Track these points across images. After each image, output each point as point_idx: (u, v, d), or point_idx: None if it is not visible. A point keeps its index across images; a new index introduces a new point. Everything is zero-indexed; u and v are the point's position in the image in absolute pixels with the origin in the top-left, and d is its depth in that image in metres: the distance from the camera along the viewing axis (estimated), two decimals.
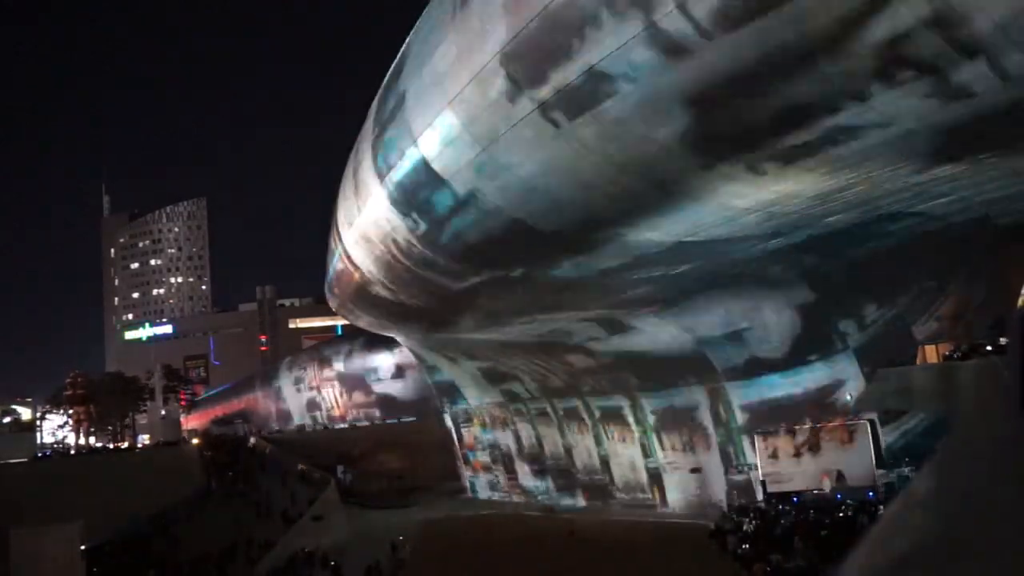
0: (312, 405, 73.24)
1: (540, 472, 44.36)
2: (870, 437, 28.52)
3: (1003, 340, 19.55)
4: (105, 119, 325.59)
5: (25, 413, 75.24)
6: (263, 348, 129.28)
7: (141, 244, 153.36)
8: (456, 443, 52.22)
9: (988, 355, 22.23)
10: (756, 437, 30.63)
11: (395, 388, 64.32)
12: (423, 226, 21.61)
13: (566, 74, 13.68)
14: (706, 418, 33.49)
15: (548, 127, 14.89)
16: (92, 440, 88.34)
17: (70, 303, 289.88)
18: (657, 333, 31.50)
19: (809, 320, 28.29)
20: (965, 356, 24.82)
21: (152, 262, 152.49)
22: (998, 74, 11.29)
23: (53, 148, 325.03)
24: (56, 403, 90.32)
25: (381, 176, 21.77)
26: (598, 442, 39.76)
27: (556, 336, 34.98)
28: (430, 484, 53.05)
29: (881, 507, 24.26)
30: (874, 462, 28.71)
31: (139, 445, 77.28)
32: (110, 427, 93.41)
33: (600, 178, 16.36)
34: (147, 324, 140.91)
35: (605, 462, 39.53)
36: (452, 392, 49.97)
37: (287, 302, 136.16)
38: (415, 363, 55.31)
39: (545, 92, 14.26)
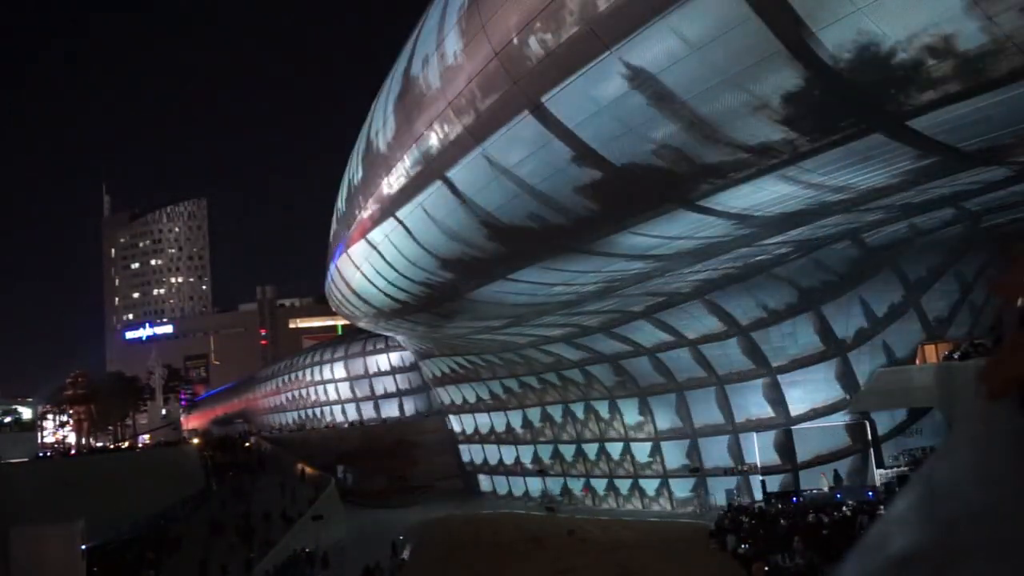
0: (310, 402, 73.24)
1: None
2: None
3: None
4: (106, 119, 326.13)
5: (26, 413, 75.17)
6: (264, 342, 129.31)
7: (141, 244, 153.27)
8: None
9: (991, 353, 22.23)
10: None
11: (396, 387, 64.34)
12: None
13: None
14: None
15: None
16: (93, 440, 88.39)
17: (70, 303, 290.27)
18: None
19: None
20: (965, 356, 24.86)
21: (152, 262, 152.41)
22: None
23: (53, 148, 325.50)
24: (57, 403, 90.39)
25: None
26: None
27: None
28: (430, 483, 53.07)
29: (881, 507, 24.27)
30: (873, 462, 28.76)
31: (140, 445, 77.25)
32: (111, 427, 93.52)
33: None
34: (147, 324, 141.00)
35: None
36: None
37: (287, 302, 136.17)
38: (414, 361, 55.35)
39: None
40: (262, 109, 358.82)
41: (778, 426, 30.55)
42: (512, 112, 15.43)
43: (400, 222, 22.40)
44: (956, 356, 25.54)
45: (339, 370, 67.96)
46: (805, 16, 11.02)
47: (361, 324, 41.39)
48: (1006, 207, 22.32)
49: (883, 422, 29.19)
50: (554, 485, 43.41)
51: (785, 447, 30.45)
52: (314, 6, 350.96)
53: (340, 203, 29.00)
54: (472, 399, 48.48)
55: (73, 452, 73.39)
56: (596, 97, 14.05)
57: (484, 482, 49.96)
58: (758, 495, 30.77)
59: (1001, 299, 0.81)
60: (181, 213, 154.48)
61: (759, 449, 30.95)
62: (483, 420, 48.48)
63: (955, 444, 0.76)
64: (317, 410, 72.65)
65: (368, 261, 26.90)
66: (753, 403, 31.28)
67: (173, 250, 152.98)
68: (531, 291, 25.51)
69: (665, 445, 35.75)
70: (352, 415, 67.77)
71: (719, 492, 33.10)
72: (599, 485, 40.36)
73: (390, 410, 64.71)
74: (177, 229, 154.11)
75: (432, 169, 19.02)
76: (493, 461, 48.73)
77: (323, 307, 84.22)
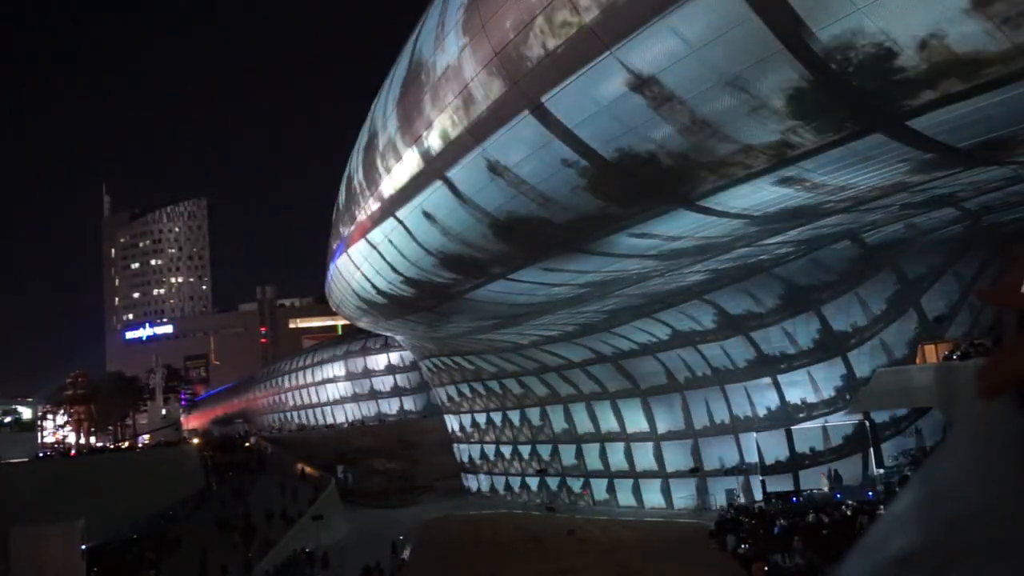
0: (310, 403, 73.27)
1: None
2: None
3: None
4: (106, 119, 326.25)
5: (26, 413, 75.17)
6: (263, 340, 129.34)
7: (141, 244, 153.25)
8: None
9: (990, 353, 22.23)
10: None
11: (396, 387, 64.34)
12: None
13: None
14: None
15: None
16: (93, 440, 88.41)
17: (70, 303, 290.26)
18: None
19: None
20: (965, 356, 24.85)
21: (152, 262, 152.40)
22: None
23: (53, 148, 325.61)
24: (57, 403, 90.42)
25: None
26: None
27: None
28: (430, 483, 53.08)
29: (881, 507, 24.27)
30: (873, 462, 28.76)
31: (140, 445, 77.25)
32: (111, 427, 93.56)
33: None
34: (147, 324, 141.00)
35: None
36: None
37: (287, 302, 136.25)
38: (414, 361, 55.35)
39: None
40: (262, 109, 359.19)
41: (778, 426, 30.55)
42: (512, 112, 15.43)
43: (400, 222, 22.40)
44: (956, 356, 25.53)
45: (339, 370, 67.97)
46: (805, 16, 11.02)
47: (361, 324, 41.38)
48: (1006, 207, 22.32)
49: (883, 422, 29.18)
50: (553, 485, 43.39)
51: (785, 447, 30.45)
52: (314, 6, 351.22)
53: (340, 203, 29.00)
54: (472, 399, 48.48)
55: (73, 452, 73.40)
56: (596, 97, 14.05)
57: (483, 482, 49.95)
58: (758, 495, 30.77)
59: (992, 306, 0.81)
60: (181, 213, 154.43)
61: (759, 449, 30.95)
62: (482, 419, 48.46)
63: (955, 444, 0.76)
64: (317, 410, 72.68)
65: (368, 261, 26.90)
66: (753, 403, 31.29)
67: (173, 250, 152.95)
68: (531, 291, 25.52)
69: (665, 445, 35.76)
70: (352, 415, 67.79)
71: (719, 492, 33.10)
72: (599, 485, 40.35)
73: (390, 410, 64.71)
74: (177, 229, 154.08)
75: (432, 169, 19.02)
76: (492, 460, 48.72)
77: (323, 307, 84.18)
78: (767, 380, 30.48)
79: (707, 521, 29.76)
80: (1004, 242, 26.30)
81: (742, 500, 31.38)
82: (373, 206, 23.63)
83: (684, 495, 35.20)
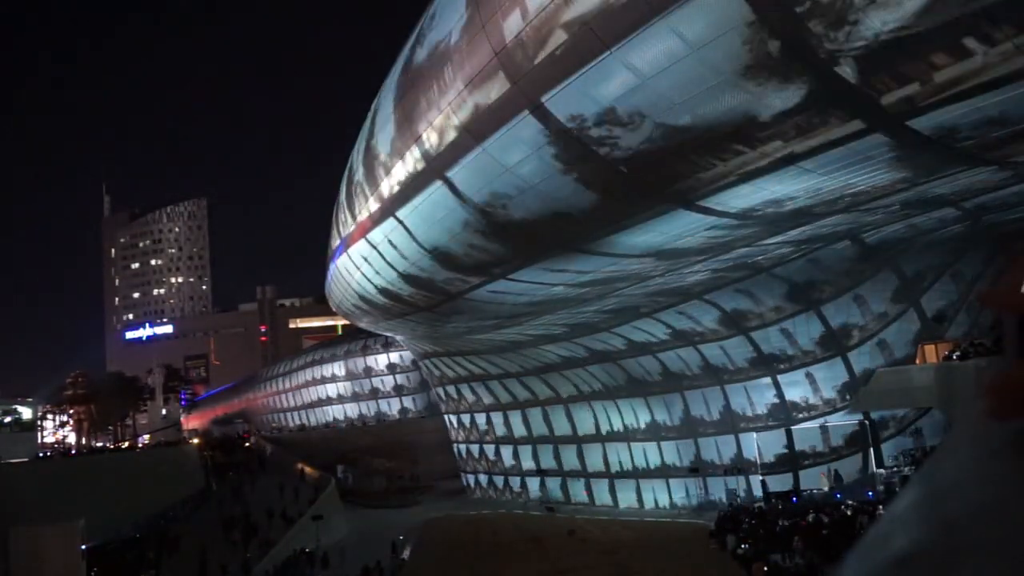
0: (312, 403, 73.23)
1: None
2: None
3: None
4: (106, 119, 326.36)
5: (26, 413, 75.18)
6: (263, 340, 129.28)
7: (141, 244, 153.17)
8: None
9: (992, 353, 22.25)
10: None
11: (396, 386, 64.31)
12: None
13: None
14: None
15: None
16: (93, 440, 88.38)
17: (70, 303, 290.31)
18: None
19: None
20: (964, 356, 24.85)
21: (152, 262, 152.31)
22: None
23: (53, 148, 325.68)
24: (57, 403, 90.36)
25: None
26: None
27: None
28: (430, 483, 53.07)
29: (881, 507, 24.27)
30: (873, 462, 28.77)
31: (140, 445, 77.22)
32: (111, 427, 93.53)
33: None
34: (147, 324, 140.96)
35: None
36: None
37: (287, 302, 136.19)
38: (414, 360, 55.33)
39: None
40: (262, 109, 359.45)
41: (778, 426, 30.56)
42: (512, 112, 15.43)
43: (400, 222, 22.39)
44: (956, 356, 25.53)
45: (339, 370, 67.96)
46: (805, 16, 11.02)
47: (361, 324, 41.36)
48: (1006, 207, 22.31)
49: (883, 422, 29.19)
50: (553, 485, 43.39)
51: (785, 447, 30.46)
52: (314, 6, 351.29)
53: (340, 202, 29.00)
54: (472, 399, 48.47)
55: (73, 452, 73.37)
56: (596, 97, 14.05)
57: (483, 482, 49.95)
58: (758, 495, 30.77)
59: (994, 310, 0.80)
60: (181, 213, 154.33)
61: (759, 449, 30.95)
62: (482, 420, 48.45)
63: (955, 444, 0.76)
64: (317, 410, 72.67)
65: (368, 261, 26.89)
66: (753, 403, 31.29)
67: (173, 250, 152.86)
68: (531, 291, 25.52)
69: (665, 445, 35.75)
70: (352, 415, 67.79)
71: (719, 492, 33.11)
72: (599, 485, 40.35)
73: (390, 409, 64.71)
74: (177, 229, 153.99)
75: (432, 169, 19.02)
76: (492, 460, 48.71)
77: (323, 307, 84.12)
78: (767, 380, 30.48)
79: (707, 521, 29.76)
80: (1004, 242, 26.30)
81: (742, 500, 31.37)
82: (373, 206, 23.63)
83: (684, 495, 35.20)
